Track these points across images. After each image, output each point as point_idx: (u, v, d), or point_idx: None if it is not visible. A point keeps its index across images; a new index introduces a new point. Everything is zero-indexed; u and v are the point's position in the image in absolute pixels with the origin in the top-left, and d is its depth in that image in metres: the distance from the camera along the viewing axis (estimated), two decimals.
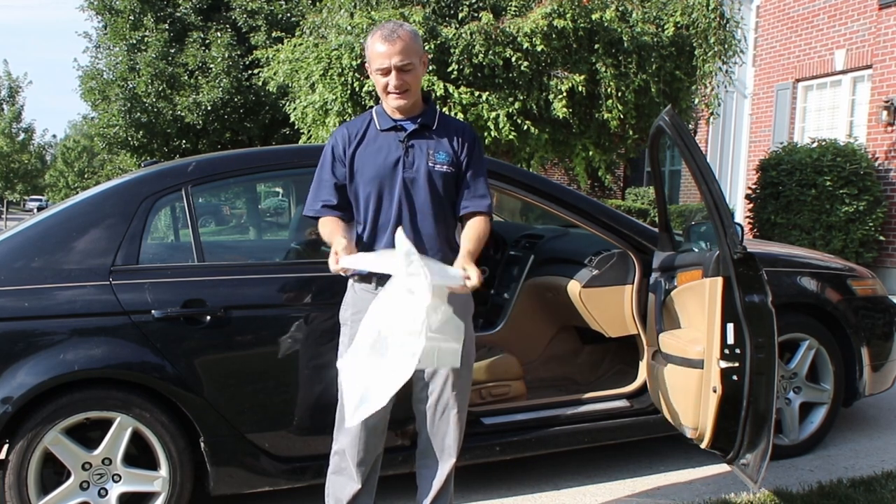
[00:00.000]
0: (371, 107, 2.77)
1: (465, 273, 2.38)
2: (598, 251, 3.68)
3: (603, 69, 7.78)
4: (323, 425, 2.81)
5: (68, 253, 2.88)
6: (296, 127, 9.23)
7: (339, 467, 2.65)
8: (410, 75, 2.54)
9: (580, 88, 7.64)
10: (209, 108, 15.91)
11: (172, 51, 16.52)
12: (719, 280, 2.86)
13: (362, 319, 2.31)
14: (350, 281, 2.66)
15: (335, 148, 2.62)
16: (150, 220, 3.01)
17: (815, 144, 8.81)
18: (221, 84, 15.94)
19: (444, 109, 7.51)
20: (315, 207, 2.63)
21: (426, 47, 7.47)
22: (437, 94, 7.44)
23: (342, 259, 2.38)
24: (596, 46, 7.84)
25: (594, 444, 3.48)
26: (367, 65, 2.67)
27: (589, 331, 3.89)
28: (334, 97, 7.76)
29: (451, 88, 7.49)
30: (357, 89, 7.68)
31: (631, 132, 8.47)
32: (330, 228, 2.56)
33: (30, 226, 3.10)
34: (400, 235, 2.25)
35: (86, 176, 41.35)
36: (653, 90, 7.95)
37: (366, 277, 2.59)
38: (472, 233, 2.57)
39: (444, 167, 2.58)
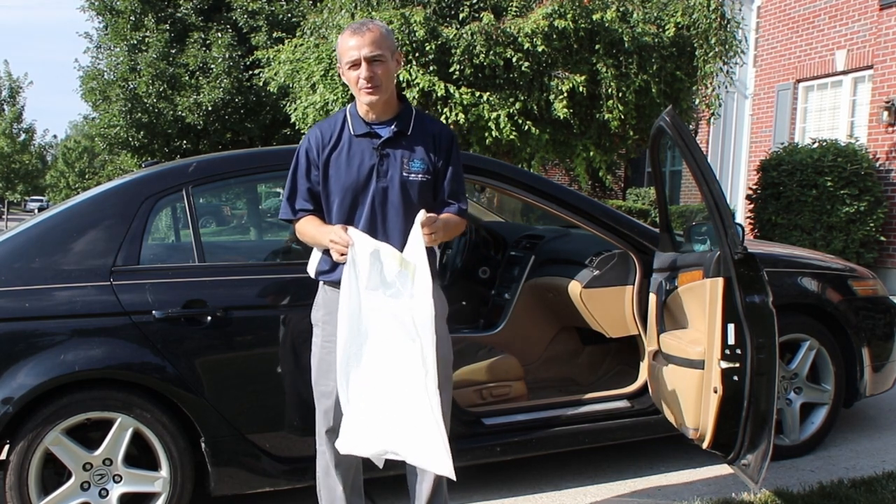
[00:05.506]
0: None
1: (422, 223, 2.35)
2: (598, 252, 3.68)
3: (604, 70, 7.77)
4: None
5: (69, 253, 2.88)
6: (297, 127, 9.22)
7: (325, 470, 2.64)
8: (382, 68, 2.46)
9: (581, 89, 7.64)
10: (210, 108, 15.91)
11: (173, 51, 16.53)
12: (720, 280, 2.86)
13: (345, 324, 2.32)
14: (321, 283, 2.64)
15: (309, 152, 2.57)
16: (151, 221, 3.01)
17: (815, 145, 8.81)
18: (222, 84, 15.94)
19: (444, 110, 7.52)
20: (291, 211, 2.60)
21: (427, 48, 7.47)
22: (438, 94, 7.43)
23: (350, 229, 2.38)
24: (597, 47, 7.84)
25: (595, 445, 3.48)
26: (338, 66, 2.61)
27: (589, 331, 3.89)
28: (335, 98, 7.76)
29: (451, 89, 7.48)
30: None
31: (631, 133, 8.46)
32: (316, 223, 2.55)
33: (30, 226, 3.10)
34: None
35: (87, 176, 41.36)
36: (653, 91, 7.94)
37: (338, 283, 2.52)
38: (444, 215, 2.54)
39: (419, 176, 2.52)
